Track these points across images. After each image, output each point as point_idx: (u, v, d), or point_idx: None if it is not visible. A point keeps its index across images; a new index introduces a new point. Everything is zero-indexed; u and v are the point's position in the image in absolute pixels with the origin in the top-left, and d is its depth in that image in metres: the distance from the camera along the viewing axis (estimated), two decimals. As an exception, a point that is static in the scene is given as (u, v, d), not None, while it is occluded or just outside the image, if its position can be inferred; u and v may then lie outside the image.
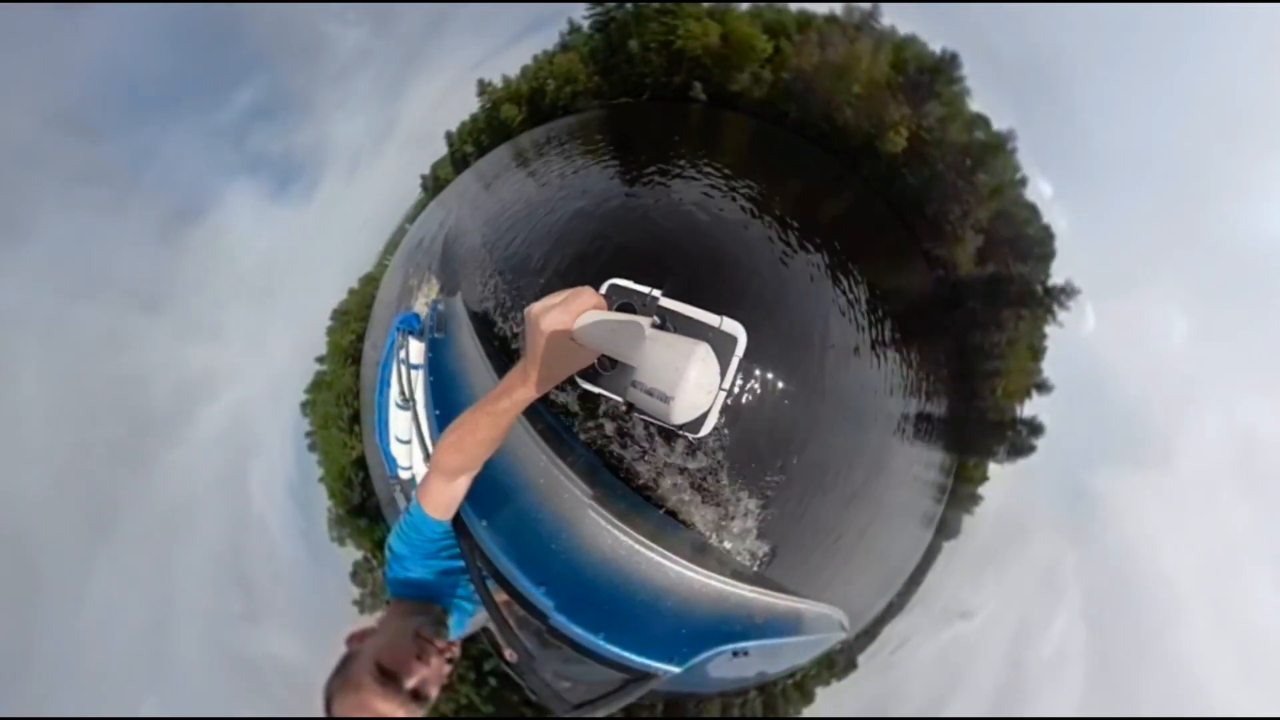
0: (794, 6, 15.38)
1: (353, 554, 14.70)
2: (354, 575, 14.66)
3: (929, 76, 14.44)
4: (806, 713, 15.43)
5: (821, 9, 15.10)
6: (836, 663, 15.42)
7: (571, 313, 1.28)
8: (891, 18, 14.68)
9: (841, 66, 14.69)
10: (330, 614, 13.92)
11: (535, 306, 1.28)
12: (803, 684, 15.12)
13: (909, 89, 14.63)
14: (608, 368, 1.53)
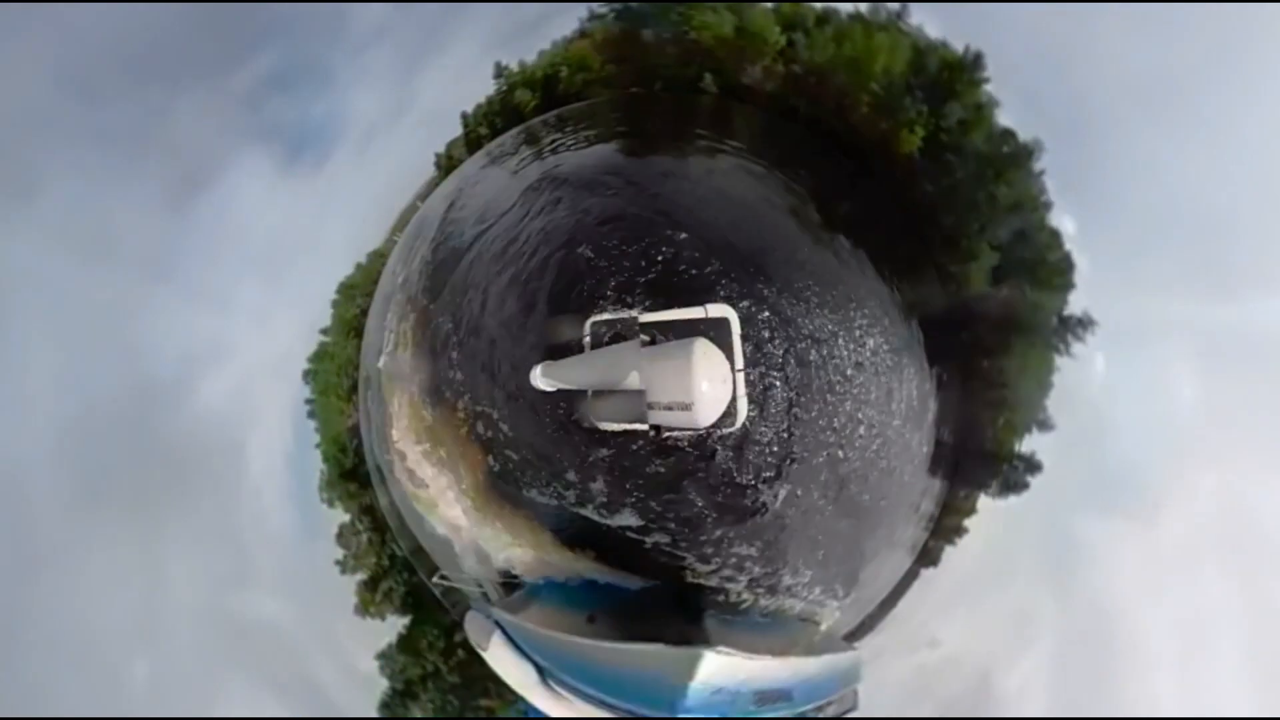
0: (819, 6, 14.65)
1: (340, 516, 15.65)
2: (339, 537, 15.64)
3: (950, 74, 13.47)
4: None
5: (847, 7, 14.32)
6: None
7: None
8: (920, 21, 13.73)
9: (857, 61, 13.92)
10: (316, 576, 14.94)
11: None
12: (765, 691, 15.11)
13: (928, 87, 13.72)
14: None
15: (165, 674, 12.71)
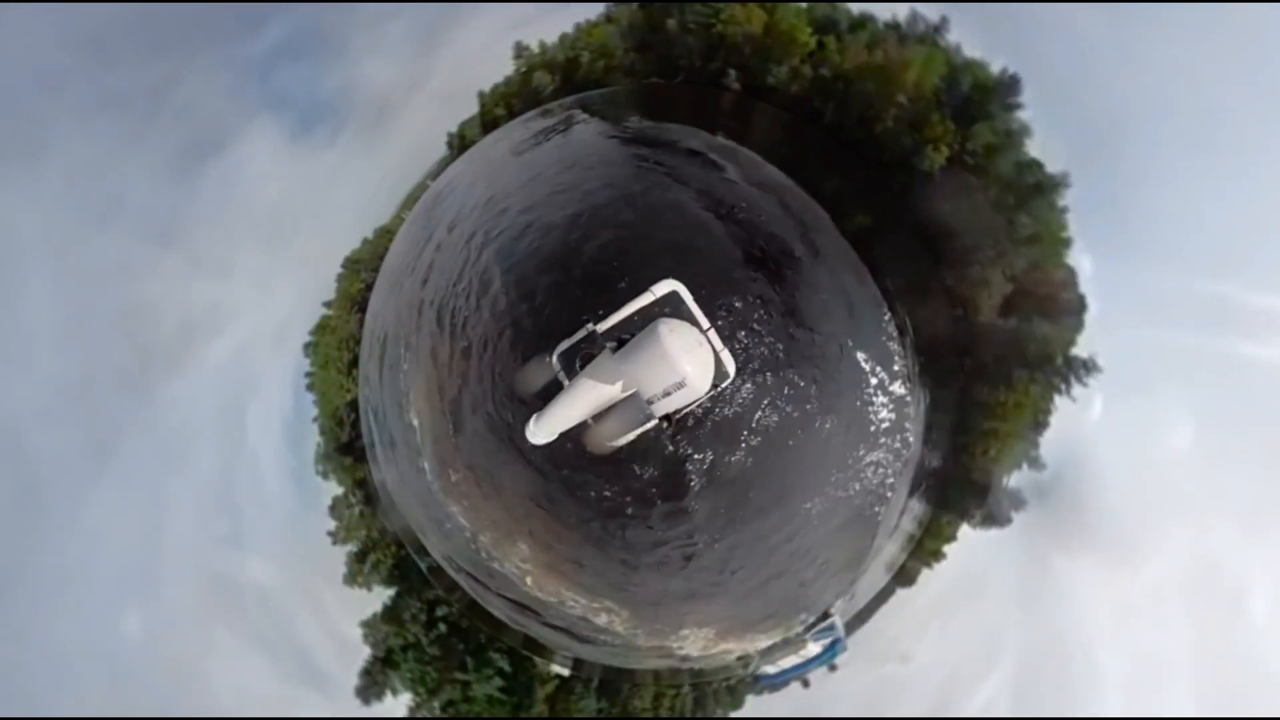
0: (855, 8, 14.01)
1: (334, 489, 16.00)
2: (332, 509, 16.00)
3: (982, 95, 12.99)
4: (734, 715, 15.89)
5: (884, 12, 13.68)
6: (770, 676, 15.75)
7: None
8: (960, 38, 13.12)
9: (887, 71, 13.43)
10: (307, 544, 15.39)
11: None
12: (735, 688, 15.53)
13: (958, 105, 13.25)
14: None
15: (157, 627, 13.30)
